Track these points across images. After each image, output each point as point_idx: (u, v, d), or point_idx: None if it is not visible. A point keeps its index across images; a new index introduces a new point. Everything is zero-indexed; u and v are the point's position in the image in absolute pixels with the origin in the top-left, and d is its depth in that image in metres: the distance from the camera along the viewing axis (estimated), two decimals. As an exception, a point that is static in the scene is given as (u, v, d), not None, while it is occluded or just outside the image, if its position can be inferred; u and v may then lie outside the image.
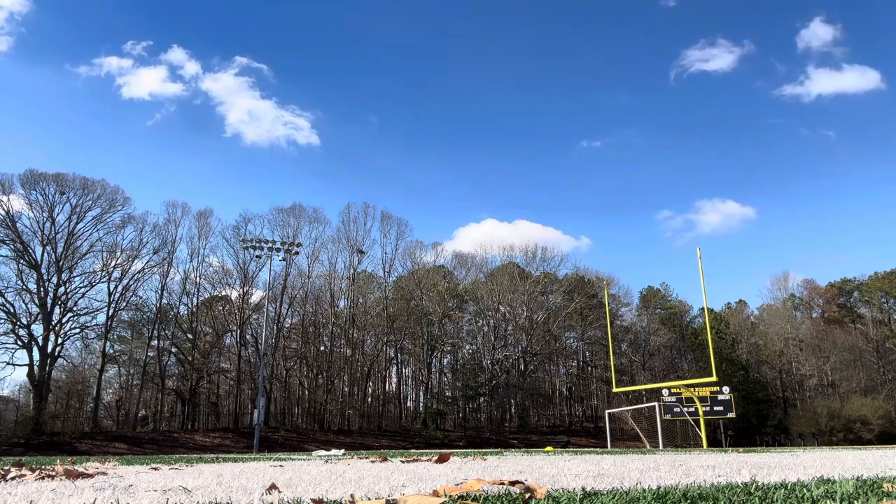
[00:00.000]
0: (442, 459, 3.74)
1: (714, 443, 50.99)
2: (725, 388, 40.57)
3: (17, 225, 50.00)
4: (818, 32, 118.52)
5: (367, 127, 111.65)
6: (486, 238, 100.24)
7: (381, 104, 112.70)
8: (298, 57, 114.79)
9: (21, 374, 66.80)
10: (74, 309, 51.68)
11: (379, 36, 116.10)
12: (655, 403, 43.50)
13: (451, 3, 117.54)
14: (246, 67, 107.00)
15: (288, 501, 1.59)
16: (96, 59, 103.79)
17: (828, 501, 1.54)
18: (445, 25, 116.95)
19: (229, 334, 59.72)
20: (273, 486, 1.92)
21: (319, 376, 60.08)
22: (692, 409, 40.21)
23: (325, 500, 1.60)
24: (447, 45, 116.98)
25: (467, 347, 66.13)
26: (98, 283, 53.22)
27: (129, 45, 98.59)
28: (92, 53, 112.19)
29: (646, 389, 53.58)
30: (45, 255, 50.79)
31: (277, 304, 57.93)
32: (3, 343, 48.03)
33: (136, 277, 54.98)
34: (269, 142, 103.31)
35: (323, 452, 19.64)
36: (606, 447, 42.20)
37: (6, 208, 49.71)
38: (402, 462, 4.06)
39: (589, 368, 71.76)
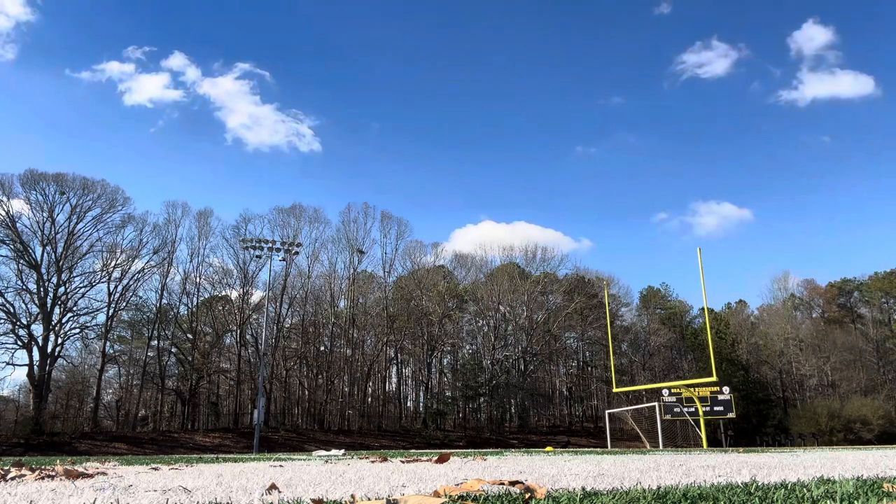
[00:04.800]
0: (442, 459, 3.74)
1: (714, 443, 50.99)
2: (725, 388, 40.56)
3: (17, 225, 50.04)
4: (811, 35, 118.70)
5: (367, 132, 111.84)
6: (486, 239, 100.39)
7: (383, 109, 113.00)
8: (300, 62, 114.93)
9: (21, 374, 66.73)
10: (74, 309, 51.70)
11: (380, 41, 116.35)
12: (655, 403, 43.49)
13: (450, 11, 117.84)
14: (247, 72, 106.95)
15: (288, 501, 1.59)
16: (98, 64, 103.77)
17: (828, 501, 1.54)
18: (444, 33, 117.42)
19: (229, 334, 59.73)
20: (273, 486, 1.92)
21: (319, 376, 60.07)
22: (692, 409, 40.21)
23: (325, 500, 1.60)
24: (446, 51, 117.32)
25: (467, 347, 66.13)
26: (98, 283, 53.28)
27: (131, 49, 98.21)
28: (94, 59, 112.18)
29: (646, 389, 53.56)
30: (45, 255, 50.83)
31: (277, 304, 57.92)
32: (3, 343, 48.08)
33: (136, 277, 55.03)
34: (270, 146, 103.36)
35: (323, 452, 19.64)
36: (606, 447, 42.18)
37: (6, 208, 49.77)
38: (402, 462, 4.05)
39: (589, 368, 71.74)
